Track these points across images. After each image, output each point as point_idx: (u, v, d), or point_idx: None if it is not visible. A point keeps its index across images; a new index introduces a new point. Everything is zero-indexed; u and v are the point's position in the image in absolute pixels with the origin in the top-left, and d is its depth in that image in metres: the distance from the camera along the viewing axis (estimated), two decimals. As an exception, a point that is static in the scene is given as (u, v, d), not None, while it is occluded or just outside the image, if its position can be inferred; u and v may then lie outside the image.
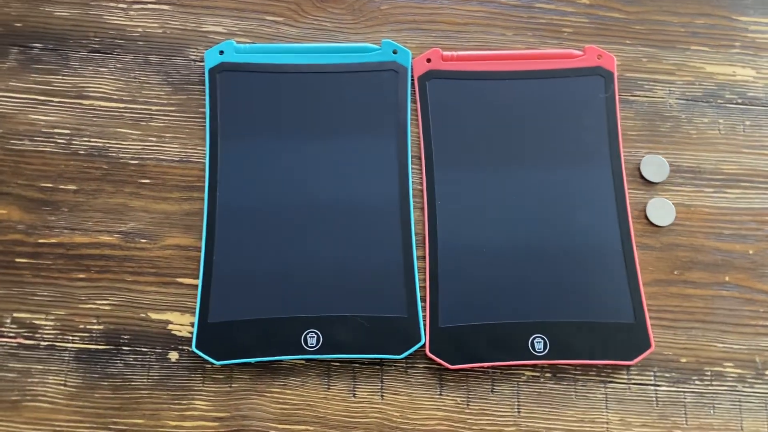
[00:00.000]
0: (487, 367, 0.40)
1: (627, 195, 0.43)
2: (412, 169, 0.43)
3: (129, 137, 0.44)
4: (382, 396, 0.39)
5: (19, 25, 0.46)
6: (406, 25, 0.47)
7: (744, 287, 0.42)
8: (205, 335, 0.39)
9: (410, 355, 0.39)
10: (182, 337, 0.40)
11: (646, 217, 0.43)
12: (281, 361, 0.39)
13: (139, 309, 0.40)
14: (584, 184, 0.43)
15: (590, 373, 0.40)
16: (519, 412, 0.39)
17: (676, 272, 0.42)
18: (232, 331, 0.39)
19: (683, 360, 0.40)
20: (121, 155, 0.43)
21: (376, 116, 0.44)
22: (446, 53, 0.46)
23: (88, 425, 0.38)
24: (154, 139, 0.44)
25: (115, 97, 0.45)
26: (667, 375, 0.40)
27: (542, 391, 0.40)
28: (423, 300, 0.40)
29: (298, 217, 0.42)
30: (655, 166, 0.44)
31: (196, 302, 0.40)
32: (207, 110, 0.44)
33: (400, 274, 0.41)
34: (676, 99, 0.46)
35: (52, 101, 0.44)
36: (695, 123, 0.46)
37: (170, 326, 0.40)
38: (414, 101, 0.45)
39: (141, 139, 0.44)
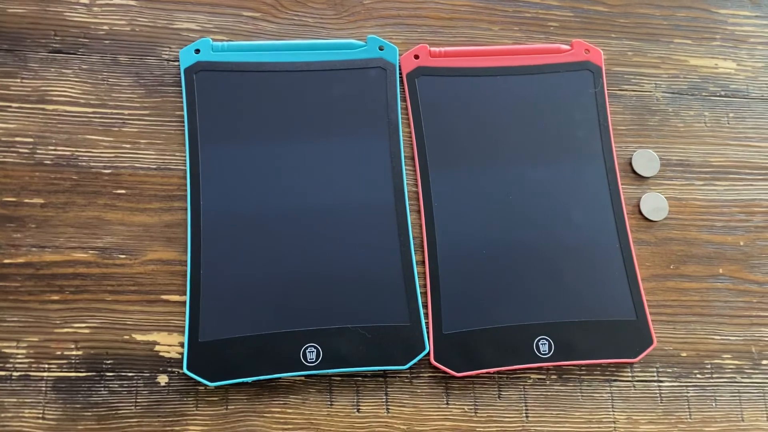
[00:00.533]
0: (494, 373, 0.39)
1: (621, 191, 0.43)
2: (405, 170, 0.42)
3: (100, 144, 0.40)
4: (387, 409, 0.38)
5: (-33, 23, 0.42)
6: (390, 20, 0.46)
7: (737, 278, 0.42)
8: (197, 355, 0.36)
9: (415, 364, 0.38)
10: (171, 358, 0.37)
11: (640, 212, 0.43)
12: (280, 378, 0.37)
13: (122, 330, 0.37)
14: (579, 182, 0.42)
15: (595, 372, 0.39)
16: (527, 416, 0.38)
17: (671, 266, 0.42)
18: (226, 350, 0.37)
19: (684, 354, 0.40)
20: (92, 164, 0.40)
21: (367, 116, 0.42)
22: (434, 49, 0.44)
23: (72, 460, 0.35)
24: (128, 145, 0.41)
25: (82, 101, 0.41)
26: (669, 370, 0.40)
27: (549, 393, 0.39)
28: (425, 306, 0.39)
29: (289, 224, 0.39)
30: (646, 161, 0.44)
31: (184, 320, 0.37)
32: (185, 113, 0.41)
33: (400, 280, 0.39)
34: (663, 92, 0.46)
35: (10, 107, 0.41)
36: (682, 116, 0.46)
37: (157, 347, 0.37)
38: (403, 99, 0.43)
39: (113, 147, 0.41)
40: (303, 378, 0.38)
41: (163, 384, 0.37)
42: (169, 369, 0.37)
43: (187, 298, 0.38)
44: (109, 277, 0.38)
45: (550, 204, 0.41)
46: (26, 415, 0.35)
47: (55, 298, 0.37)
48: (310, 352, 0.37)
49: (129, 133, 0.41)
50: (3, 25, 0.42)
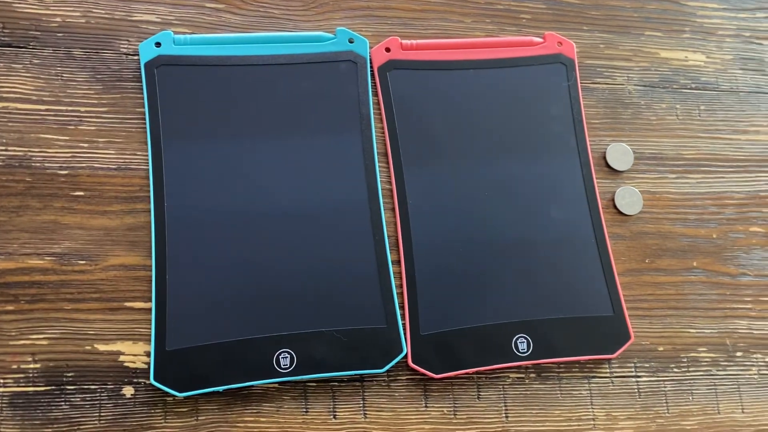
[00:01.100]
0: (473, 373, 0.38)
1: (596, 186, 0.42)
2: (378, 167, 0.40)
3: (55, 144, 0.38)
4: (365, 414, 0.36)
5: None
6: (360, 12, 0.44)
7: (710, 271, 0.43)
8: (164, 365, 0.35)
9: (392, 367, 0.37)
10: (137, 369, 0.35)
11: (615, 207, 0.43)
12: (252, 386, 0.36)
13: (84, 341, 0.35)
14: (554, 176, 0.42)
15: (573, 369, 0.39)
16: (507, 417, 0.38)
17: (647, 260, 0.42)
18: (195, 358, 0.35)
19: (660, 349, 0.40)
20: (47, 165, 0.38)
21: (337, 111, 0.41)
22: (405, 42, 0.43)
23: (31, 481, 0.33)
24: (85, 145, 0.38)
25: (35, 97, 0.39)
26: (646, 365, 0.40)
27: (528, 392, 0.38)
28: (401, 307, 0.38)
29: (258, 225, 0.38)
30: (619, 155, 0.44)
31: (150, 328, 0.36)
32: (146, 110, 0.39)
33: (375, 281, 0.38)
34: (635, 85, 0.46)
35: (-45, 104, 0.38)
36: (654, 109, 0.46)
37: (122, 357, 0.35)
38: (375, 94, 0.42)
39: (70, 146, 0.38)
40: (276, 385, 0.36)
41: (128, 396, 0.35)
42: (135, 380, 0.35)
43: (152, 304, 0.36)
44: (68, 284, 0.36)
45: (526, 200, 0.41)
46: (-20, 434, 0.33)
47: (10, 308, 0.35)
48: (283, 357, 0.36)
49: (86, 132, 0.39)
50: (-55, 17, 0.39)
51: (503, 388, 0.38)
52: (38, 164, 0.38)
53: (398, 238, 0.39)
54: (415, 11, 0.45)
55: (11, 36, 0.40)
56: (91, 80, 0.40)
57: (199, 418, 0.35)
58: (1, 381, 0.34)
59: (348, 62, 0.42)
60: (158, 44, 0.40)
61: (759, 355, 0.41)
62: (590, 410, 0.38)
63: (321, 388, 0.36)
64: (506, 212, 0.40)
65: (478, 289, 0.39)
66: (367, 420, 0.36)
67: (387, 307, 0.37)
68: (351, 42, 0.42)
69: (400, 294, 0.38)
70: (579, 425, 0.38)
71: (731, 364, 0.41)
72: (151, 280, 0.36)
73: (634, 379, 0.39)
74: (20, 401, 0.34)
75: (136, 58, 0.40)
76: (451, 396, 0.37)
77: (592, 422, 0.38)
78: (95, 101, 0.39)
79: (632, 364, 0.40)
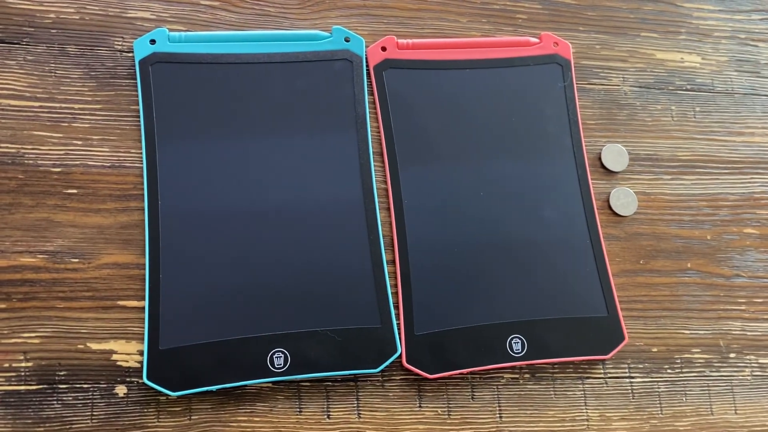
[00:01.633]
0: (467, 373, 0.38)
1: (591, 186, 0.42)
2: (374, 166, 0.40)
3: (48, 141, 0.38)
4: (358, 414, 0.36)
5: None
6: (356, 11, 0.44)
7: (704, 272, 0.43)
8: (157, 364, 0.34)
9: (386, 367, 0.37)
10: (130, 368, 0.35)
11: (610, 207, 0.43)
12: (246, 386, 0.36)
13: (76, 339, 0.35)
14: (550, 177, 0.42)
15: (567, 370, 0.39)
16: (501, 417, 0.37)
17: (641, 261, 0.42)
18: (188, 357, 0.35)
19: (654, 349, 0.40)
20: (39, 162, 0.37)
21: (333, 110, 0.41)
22: (401, 41, 0.43)
23: (22, 480, 0.33)
24: (79, 142, 0.38)
25: (28, 94, 0.38)
26: (640, 366, 0.40)
27: (522, 393, 0.38)
28: (396, 307, 0.38)
29: (253, 224, 0.38)
30: (615, 155, 0.44)
31: (143, 327, 0.35)
32: (140, 107, 0.39)
33: (370, 280, 0.38)
34: (630, 86, 0.46)
35: (-52, 101, 0.38)
36: (650, 110, 0.46)
37: (115, 356, 0.35)
38: (370, 93, 0.42)
39: (63, 143, 0.38)
40: (270, 385, 0.36)
41: (121, 395, 0.35)
42: (128, 379, 0.35)
43: (145, 303, 0.35)
44: (61, 282, 0.36)
45: (521, 200, 0.41)
46: (-29, 433, 0.33)
47: (2, 306, 0.35)
48: (277, 357, 0.36)
49: (80, 129, 0.38)
50: (-62, 12, 0.39)
51: (497, 388, 0.38)
52: (31, 161, 0.37)
53: (393, 238, 0.39)
54: (411, 10, 0.45)
55: (4, 32, 0.39)
56: (85, 77, 0.39)
57: (192, 417, 0.35)
58: (-7, 380, 0.34)
59: (344, 61, 0.42)
60: (153, 41, 0.40)
61: (752, 357, 0.41)
62: (584, 411, 0.38)
63: (315, 388, 0.36)
64: (501, 212, 0.40)
65: (473, 289, 0.39)
66: (361, 420, 0.36)
67: (381, 307, 0.37)
68: (347, 41, 0.42)
69: (395, 294, 0.38)
70: (573, 426, 0.38)
71: (725, 365, 0.41)
72: (144, 279, 0.36)
73: (627, 380, 0.39)
74: (12, 400, 0.34)
75: (130, 55, 0.40)
76: (445, 396, 0.37)
77: (585, 423, 0.38)
78: (89, 98, 0.39)
79: (626, 365, 0.40)
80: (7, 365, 0.34)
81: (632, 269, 0.42)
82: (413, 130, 0.41)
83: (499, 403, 0.38)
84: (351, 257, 0.38)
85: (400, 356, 0.37)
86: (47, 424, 0.34)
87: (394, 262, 0.39)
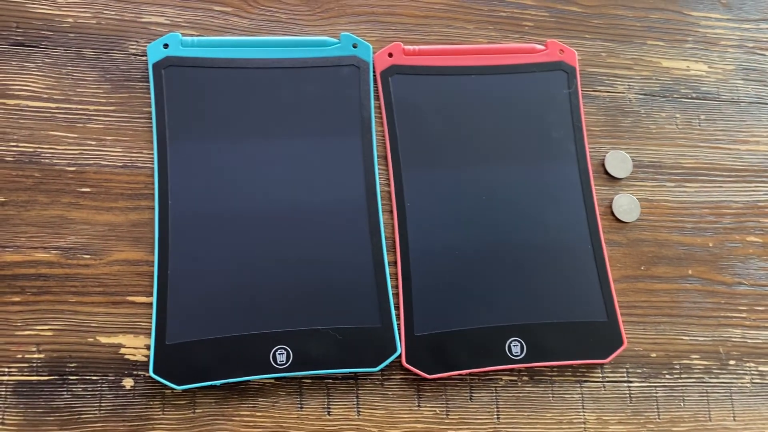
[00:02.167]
0: (465, 374, 0.39)
1: (594, 192, 0.43)
2: (378, 169, 0.41)
3: (64, 141, 0.39)
4: (358, 412, 0.37)
5: (-76, 13, 0.41)
6: (365, 18, 0.45)
7: (705, 280, 0.43)
8: (163, 358, 0.36)
9: (386, 366, 0.38)
10: (137, 361, 0.36)
11: (612, 213, 0.43)
12: (249, 381, 0.37)
13: (86, 333, 0.36)
14: (553, 182, 0.42)
15: (566, 373, 0.40)
16: (498, 418, 0.38)
17: (642, 267, 0.42)
18: (193, 352, 0.36)
19: (653, 355, 0.41)
20: (55, 161, 0.39)
21: (339, 114, 0.42)
22: (408, 47, 0.44)
23: (32, 467, 0.34)
24: (93, 142, 0.40)
25: (45, 95, 0.40)
26: (638, 371, 0.40)
27: (520, 395, 0.39)
28: (396, 308, 0.39)
29: (259, 224, 0.39)
30: (618, 162, 0.44)
31: (151, 322, 0.37)
32: (153, 109, 0.40)
33: (372, 281, 0.39)
34: (635, 94, 0.46)
35: (-31, 101, 0.39)
36: (654, 118, 0.46)
37: (123, 350, 0.36)
38: (377, 98, 0.43)
39: (78, 143, 0.39)
40: (272, 381, 0.37)
41: (128, 388, 0.36)
42: (135, 372, 0.36)
43: (153, 299, 0.37)
44: (73, 277, 0.37)
45: (524, 205, 0.41)
46: (-15, 420, 0.34)
47: (16, 299, 0.36)
48: (279, 354, 0.36)
49: (94, 130, 0.40)
50: (-38, 16, 0.41)
51: (495, 390, 0.39)
52: (47, 160, 0.39)
53: (395, 240, 0.40)
54: (418, 17, 0.46)
55: (24, 35, 0.41)
56: (100, 80, 0.41)
57: (196, 410, 0.36)
58: (6, 370, 0.35)
59: (351, 66, 0.43)
60: (166, 46, 0.41)
61: (752, 364, 0.41)
62: (581, 414, 0.39)
63: (316, 385, 0.37)
64: (503, 216, 0.41)
65: (473, 292, 0.39)
66: (360, 417, 0.37)
67: (382, 307, 0.38)
68: (355, 47, 0.43)
69: (396, 295, 0.39)
70: (570, 429, 0.38)
71: (724, 372, 0.41)
72: (153, 276, 0.37)
73: (626, 385, 0.40)
74: (24, 390, 0.35)
75: (144, 59, 0.41)
76: (443, 396, 0.38)
77: (582, 426, 0.39)
78: (104, 100, 0.40)
79: (624, 370, 0.40)
80: (20, 356, 0.36)
81: (633, 275, 0.42)
82: (418, 134, 0.42)
83: (497, 404, 0.38)
84: (353, 258, 0.39)
85: (399, 356, 0.38)
86: (57, 414, 0.35)
87: (395, 263, 0.40)
